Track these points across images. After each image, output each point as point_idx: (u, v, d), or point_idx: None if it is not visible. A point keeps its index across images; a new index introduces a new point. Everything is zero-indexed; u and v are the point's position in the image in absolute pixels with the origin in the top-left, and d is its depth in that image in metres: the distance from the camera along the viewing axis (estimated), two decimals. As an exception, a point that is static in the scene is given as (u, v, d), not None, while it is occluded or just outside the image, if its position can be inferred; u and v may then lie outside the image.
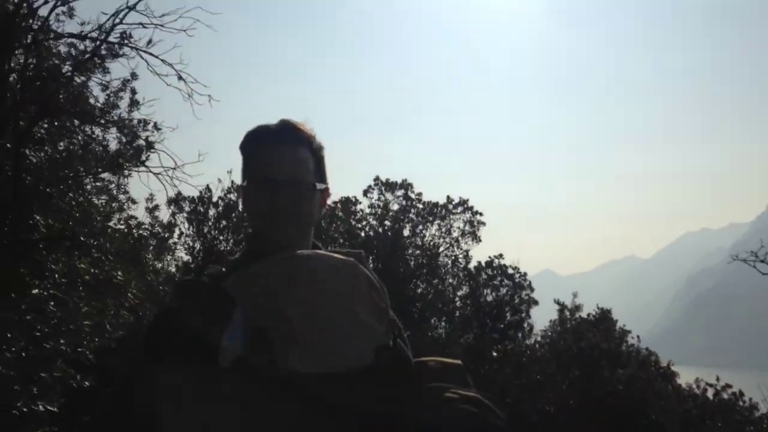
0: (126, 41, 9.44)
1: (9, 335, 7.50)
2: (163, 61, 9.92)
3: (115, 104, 11.66)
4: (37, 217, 9.33)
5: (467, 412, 1.38)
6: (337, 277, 1.42)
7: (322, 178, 1.80)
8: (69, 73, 9.42)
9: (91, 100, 10.92)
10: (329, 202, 1.89)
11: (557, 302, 26.80)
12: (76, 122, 11.41)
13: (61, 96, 9.33)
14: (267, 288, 1.41)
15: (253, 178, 1.73)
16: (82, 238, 9.12)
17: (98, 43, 9.60)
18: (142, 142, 10.81)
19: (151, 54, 9.78)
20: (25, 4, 9.56)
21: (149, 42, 9.68)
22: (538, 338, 27.04)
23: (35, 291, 8.78)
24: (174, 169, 10.86)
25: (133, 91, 11.48)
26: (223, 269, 1.66)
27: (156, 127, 11.19)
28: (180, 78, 10.30)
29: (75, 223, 9.39)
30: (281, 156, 1.71)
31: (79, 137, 12.03)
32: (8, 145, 8.98)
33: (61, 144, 10.77)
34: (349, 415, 1.34)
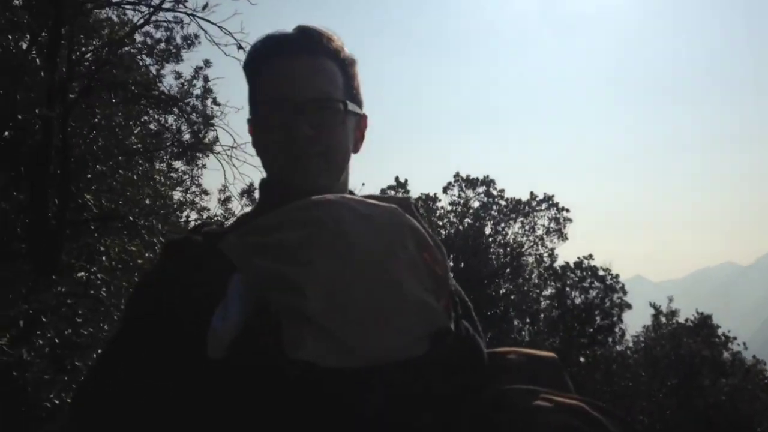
0: (180, 4, 8.78)
1: (44, 319, 6.84)
2: (221, 28, 9.23)
3: (188, 92, 11.30)
4: (87, 197, 8.81)
5: (566, 427, 1.04)
6: (373, 231, 1.02)
7: (356, 99, 1.41)
8: (119, 43, 8.82)
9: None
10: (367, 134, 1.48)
11: (653, 305, 25.22)
12: (150, 110, 11.06)
13: (114, 70, 8.74)
14: (274, 247, 1.02)
15: (262, 102, 1.35)
16: (131, 218, 8.47)
17: (152, 9, 9.00)
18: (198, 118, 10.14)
19: (208, 21, 9.12)
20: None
21: (204, 6, 9.00)
22: (630, 344, 25.60)
23: (81, 274, 8.16)
24: (233, 148, 10.20)
25: (206, 79, 11.17)
26: (225, 225, 1.39)
27: (215, 102, 10.56)
28: (240, 48, 9.59)
29: (125, 203, 8.78)
30: (300, 69, 1.33)
31: (152, 126, 11.70)
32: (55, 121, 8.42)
33: (137, 127, 10.31)
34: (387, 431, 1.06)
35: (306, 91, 1.31)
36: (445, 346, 1.05)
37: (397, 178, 25.48)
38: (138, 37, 10.43)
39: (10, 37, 7.92)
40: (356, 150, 1.43)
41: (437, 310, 1.03)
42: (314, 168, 1.31)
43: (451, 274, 1.14)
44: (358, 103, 1.42)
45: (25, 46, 8.53)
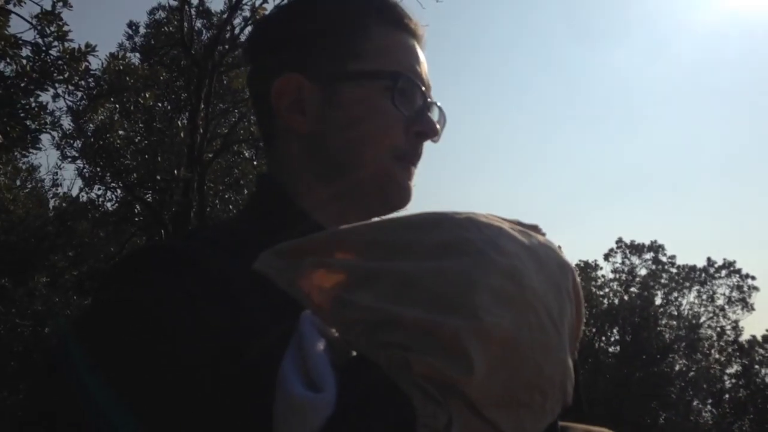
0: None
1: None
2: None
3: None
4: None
5: None
6: (540, 271, 0.73)
7: None
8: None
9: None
10: None
11: None
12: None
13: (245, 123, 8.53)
14: (402, 282, 0.70)
15: (398, 73, 0.97)
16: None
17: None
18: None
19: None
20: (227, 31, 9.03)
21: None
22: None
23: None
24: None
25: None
26: (224, 229, 0.99)
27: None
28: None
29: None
30: (420, 54, 1.03)
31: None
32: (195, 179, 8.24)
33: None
34: None
35: (429, 86, 1.03)
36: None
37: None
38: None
39: (146, 97, 7.89)
40: None
41: (572, 376, 0.74)
42: (410, 184, 1.01)
43: None
44: None
45: (169, 107, 8.62)
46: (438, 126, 1.02)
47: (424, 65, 1.02)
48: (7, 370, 8.29)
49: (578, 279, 0.80)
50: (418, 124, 0.98)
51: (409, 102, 0.97)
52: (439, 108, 1.05)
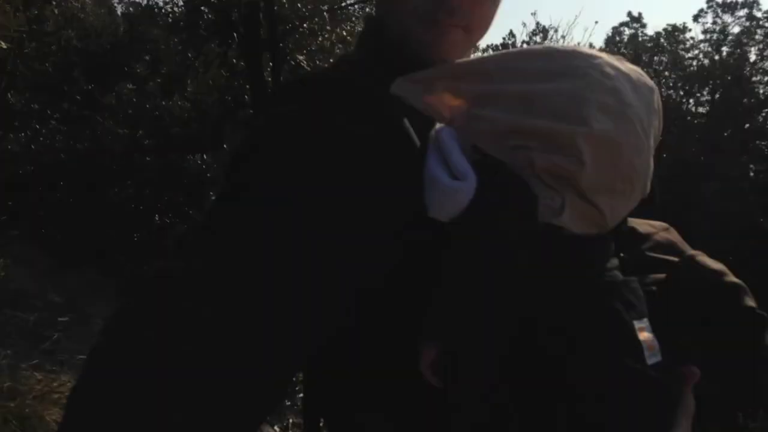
0: None
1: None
2: None
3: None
4: (300, 57, 8.45)
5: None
6: (635, 90, 0.93)
7: None
8: None
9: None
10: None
11: None
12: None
13: None
14: (527, 99, 0.88)
15: None
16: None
17: None
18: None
19: None
20: None
21: None
22: None
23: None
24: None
25: None
26: (357, 67, 1.05)
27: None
28: None
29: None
30: None
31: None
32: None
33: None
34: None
35: None
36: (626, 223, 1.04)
37: (629, 13, 22.82)
38: None
39: None
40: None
41: (651, 176, 0.98)
42: (457, 39, 1.03)
43: None
44: None
45: None
46: None
47: None
48: (113, 170, 8.88)
49: (660, 98, 0.97)
50: None
51: None
52: None
